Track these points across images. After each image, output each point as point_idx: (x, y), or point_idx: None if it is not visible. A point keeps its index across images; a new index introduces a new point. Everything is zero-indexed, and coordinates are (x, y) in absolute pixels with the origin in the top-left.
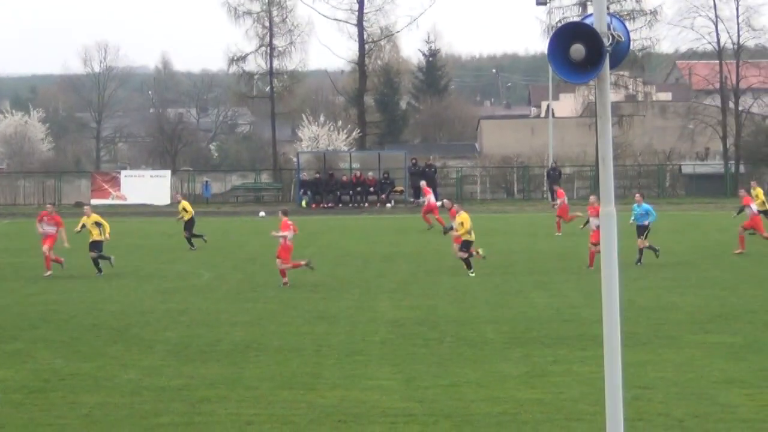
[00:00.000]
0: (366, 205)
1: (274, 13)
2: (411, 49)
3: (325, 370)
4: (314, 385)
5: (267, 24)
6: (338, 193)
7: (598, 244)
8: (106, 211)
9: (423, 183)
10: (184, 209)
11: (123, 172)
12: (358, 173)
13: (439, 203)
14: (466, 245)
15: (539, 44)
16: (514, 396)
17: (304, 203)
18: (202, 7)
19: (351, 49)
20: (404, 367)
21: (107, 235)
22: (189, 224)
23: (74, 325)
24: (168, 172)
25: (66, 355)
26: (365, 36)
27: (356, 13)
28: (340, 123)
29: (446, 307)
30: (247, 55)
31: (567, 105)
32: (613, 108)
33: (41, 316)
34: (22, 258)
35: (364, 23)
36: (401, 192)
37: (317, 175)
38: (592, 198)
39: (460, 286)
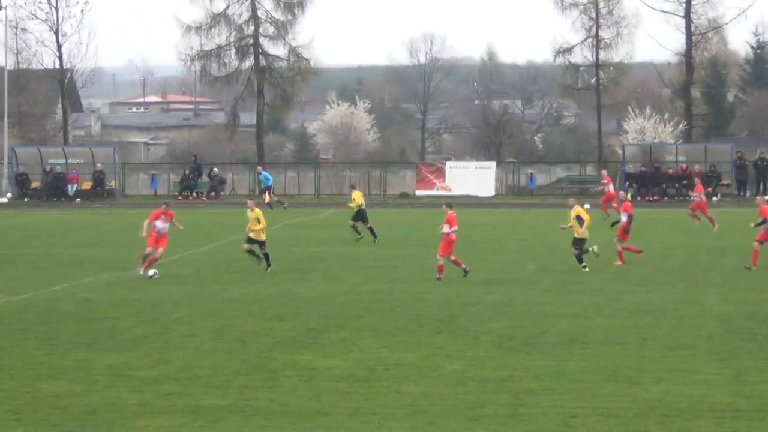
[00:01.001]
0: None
1: (601, 4)
2: (738, 42)
3: (649, 363)
4: (639, 378)
5: (593, 15)
6: (664, 185)
7: (764, 242)
8: (430, 202)
9: (604, 172)
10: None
11: (448, 164)
12: (684, 166)
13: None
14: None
15: None
16: None
17: (629, 196)
18: None
19: (678, 41)
20: (731, 362)
21: (263, 232)
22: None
23: (399, 314)
24: (493, 164)
25: (391, 344)
26: (692, 28)
27: (683, 4)
28: (666, 115)
29: None
30: (573, 46)
31: None
32: None
33: (366, 305)
34: (348, 248)
35: (692, 15)
36: (728, 185)
37: (643, 168)
38: (758, 199)
39: None
